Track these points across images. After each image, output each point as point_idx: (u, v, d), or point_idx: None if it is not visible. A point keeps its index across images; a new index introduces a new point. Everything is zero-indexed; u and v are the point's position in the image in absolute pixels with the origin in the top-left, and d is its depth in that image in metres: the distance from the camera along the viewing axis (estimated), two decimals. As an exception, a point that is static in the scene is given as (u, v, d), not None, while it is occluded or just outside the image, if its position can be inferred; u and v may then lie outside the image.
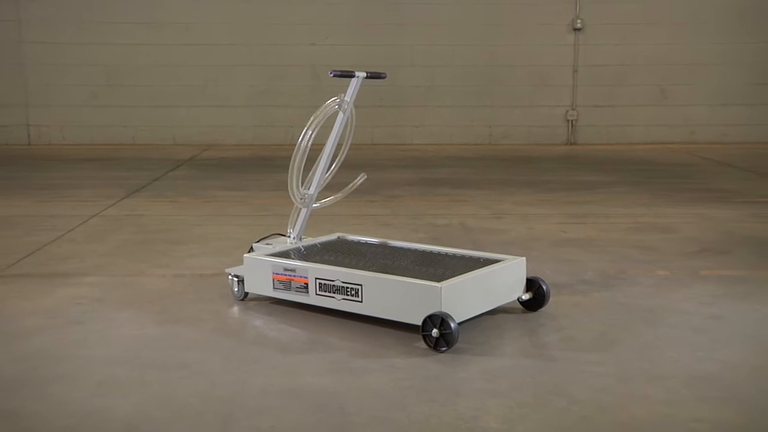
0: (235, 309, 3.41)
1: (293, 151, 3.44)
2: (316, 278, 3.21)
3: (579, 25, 10.17)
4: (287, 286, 3.30)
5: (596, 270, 4.02)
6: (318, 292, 3.21)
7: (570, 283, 3.76)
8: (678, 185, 6.83)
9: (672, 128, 10.37)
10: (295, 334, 3.10)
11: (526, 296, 3.32)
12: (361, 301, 3.10)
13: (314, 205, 3.66)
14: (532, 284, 3.33)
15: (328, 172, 3.66)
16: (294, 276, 3.27)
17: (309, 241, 3.71)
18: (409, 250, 3.60)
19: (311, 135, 3.42)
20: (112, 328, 3.15)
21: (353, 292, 3.11)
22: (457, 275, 3.07)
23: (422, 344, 2.90)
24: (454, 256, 3.45)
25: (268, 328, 3.18)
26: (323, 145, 3.58)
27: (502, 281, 3.23)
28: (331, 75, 3.52)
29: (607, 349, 2.90)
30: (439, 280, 2.97)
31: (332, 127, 3.56)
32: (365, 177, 3.77)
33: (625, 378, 2.63)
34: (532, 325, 3.18)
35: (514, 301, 3.31)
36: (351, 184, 3.77)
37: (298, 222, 3.67)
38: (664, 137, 10.35)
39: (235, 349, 2.92)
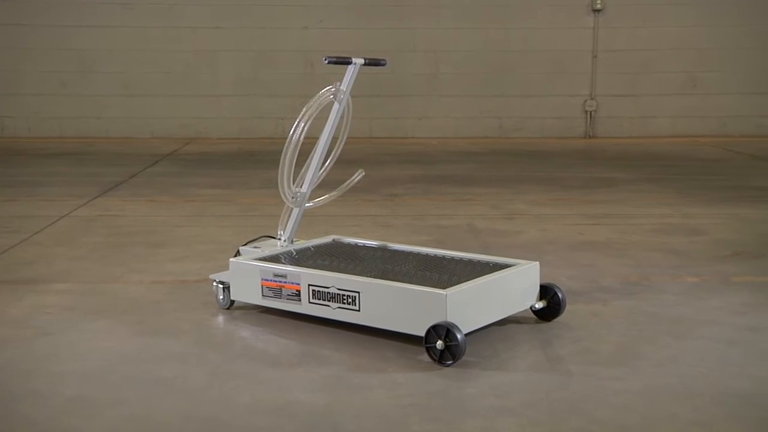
0: (220, 319, 3.41)
1: (284, 145, 3.45)
2: (309, 285, 3.22)
3: (599, 6, 10.18)
4: (277, 293, 3.30)
5: (617, 276, 4.02)
6: (311, 300, 3.22)
7: (588, 291, 3.77)
8: (707, 182, 6.84)
9: (701, 119, 10.38)
10: (286, 346, 3.11)
11: (539, 305, 3.32)
12: (359, 310, 3.10)
13: (307, 204, 3.66)
14: (546, 291, 3.33)
15: (323, 169, 3.66)
16: (285, 282, 3.28)
17: (301, 244, 3.71)
18: (411, 253, 3.60)
19: (304, 128, 3.43)
20: (85, 341, 3.16)
21: (350, 300, 3.11)
22: (464, 282, 3.07)
23: (426, 357, 2.90)
24: (460, 261, 3.45)
25: (257, 340, 3.18)
26: (317, 138, 3.58)
27: (514, 288, 3.24)
28: (326, 62, 3.52)
29: (629, 363, 2.91)
30: (444, 287, 2.97)
31: (327, 119, 3.57)
32: (363, 174, 3.78)
33: (649, 395, 2.63)
34: (546, 336, 3.19)
35: (526, 310, 3.32)
36: (347, 182, 3.77)
37: (289, 223, 3.67)
38: (693, 129, 10.36)
39: (219, 363, 2.93)
